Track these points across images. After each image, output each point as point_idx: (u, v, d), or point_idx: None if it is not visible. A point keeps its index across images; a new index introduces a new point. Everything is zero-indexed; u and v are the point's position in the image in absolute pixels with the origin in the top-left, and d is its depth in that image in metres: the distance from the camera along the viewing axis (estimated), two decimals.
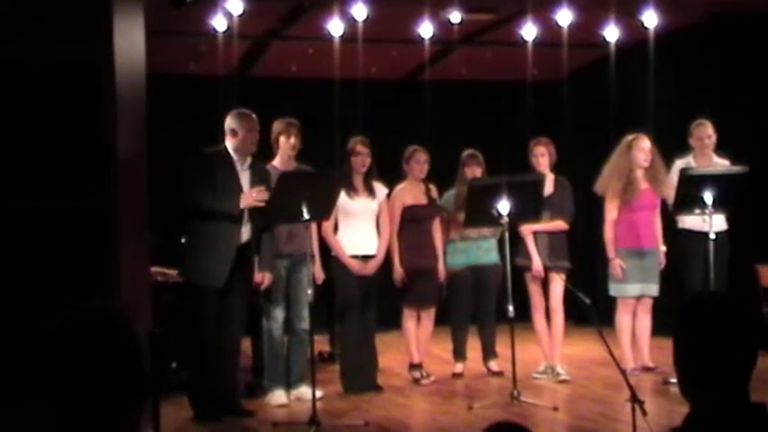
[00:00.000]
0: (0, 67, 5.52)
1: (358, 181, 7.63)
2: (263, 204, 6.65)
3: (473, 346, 8.32)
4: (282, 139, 7.27)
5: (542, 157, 8.01)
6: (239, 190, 6.74)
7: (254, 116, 6.90)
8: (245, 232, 6.77)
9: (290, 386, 7.25)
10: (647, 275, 7.89)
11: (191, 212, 6.77)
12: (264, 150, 7.36)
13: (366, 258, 7.62)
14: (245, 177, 6.82)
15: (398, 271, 7.88)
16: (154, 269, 7.32)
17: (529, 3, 9.07)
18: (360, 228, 7.63)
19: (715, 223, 7.33)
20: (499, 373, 8.07)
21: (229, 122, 6.85)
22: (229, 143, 6.83)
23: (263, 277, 6.97)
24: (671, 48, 9.81)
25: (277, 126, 7.32)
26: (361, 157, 7.59)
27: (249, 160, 6.87)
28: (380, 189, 7.76)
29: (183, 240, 7.05)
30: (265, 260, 6.99)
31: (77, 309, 2.04)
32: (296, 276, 7.21)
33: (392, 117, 10.77)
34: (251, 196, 6.67)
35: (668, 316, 8.36)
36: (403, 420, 6.81)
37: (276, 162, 7.30)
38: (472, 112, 11.35)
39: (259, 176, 6.87)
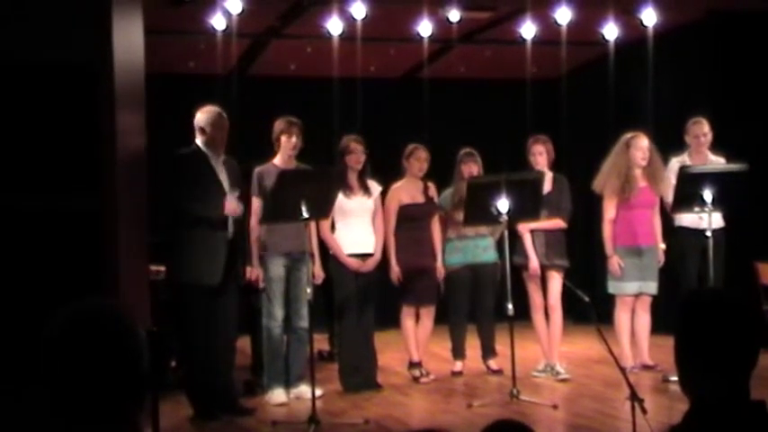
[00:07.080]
0: None
1: (353, 179, 7.63)
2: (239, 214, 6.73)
3: (472, 345, 8.32)
4: (284, 138, 7.27)
5: (540, 155, 8.00)
6: (220, 189, 6.75)
7: (223, 114, 6.89)
8: (230, 228, 6.77)
9: (290, 385, 7.25)
10: (646, 273, 7.90)
11: (175, 213, 6.72)
12: (265, 149, 7.36)
13: (364, 257, 7.62)
14: (222, 174, 6.83)
15: (395, 269, 7.87)
16: (153, 267, 7.32)
17: (528, 1, 9.06)
18: (357, 226, 7.63)
19: (712, 221, 7.32)
20: (498, 372, 8.07)
21: (199, 120, 6.84)
22: (200, 140, 6.84)
23: (251, 272, 7.08)
24: (670, 46, 9.81)
25: (278, 125, 7.32)
26: (356, 154, 7.59)
27: (222, 156, 6.88)
28: (374, 187, 7.76)
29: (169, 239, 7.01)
30: (250, 256, 7.07)
31: (77, 307, 2.04)
32: (295, 275, 7.20)
33: (391, 115, 10.77)
34: (232, 207, 6.68)
35: (668, 314, 8.38)
36: (402, 418, 6.80)
37: (277, 161, 7.30)
38: (471, 110, 11.34)
39: (232, 172, 6.89)
